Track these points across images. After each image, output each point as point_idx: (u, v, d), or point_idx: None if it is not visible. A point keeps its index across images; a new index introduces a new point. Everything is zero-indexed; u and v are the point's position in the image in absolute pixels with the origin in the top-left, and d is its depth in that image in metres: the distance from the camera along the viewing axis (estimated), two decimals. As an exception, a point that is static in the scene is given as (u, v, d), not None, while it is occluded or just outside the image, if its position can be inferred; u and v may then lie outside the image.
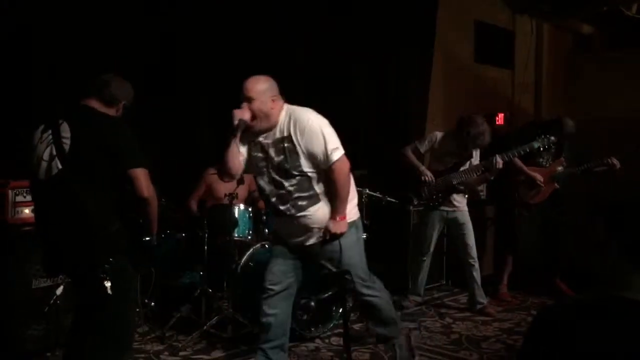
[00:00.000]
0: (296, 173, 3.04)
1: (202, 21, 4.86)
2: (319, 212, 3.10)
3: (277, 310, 3.21)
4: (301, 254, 3.24)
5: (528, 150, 4.58)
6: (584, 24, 7.50)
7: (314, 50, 5.38)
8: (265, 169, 3.12)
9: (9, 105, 3.83)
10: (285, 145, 3.03)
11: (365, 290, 3.31)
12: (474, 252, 4.73)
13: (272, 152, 3.07)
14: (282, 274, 3.22)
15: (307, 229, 3.13)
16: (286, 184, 3.06)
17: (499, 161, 4.42)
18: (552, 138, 4.60)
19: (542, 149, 4.58)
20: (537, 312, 1.51)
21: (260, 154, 3.12)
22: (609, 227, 1.44)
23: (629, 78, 6.79)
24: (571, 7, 6.84)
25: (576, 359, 1.33)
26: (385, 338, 3.48)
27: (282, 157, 3.04)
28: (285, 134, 3.03)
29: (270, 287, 3.21)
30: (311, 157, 3.02)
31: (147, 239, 2.82)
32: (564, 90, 7.64)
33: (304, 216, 3.09)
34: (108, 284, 2.50)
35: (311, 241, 3.16)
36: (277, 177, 3.08)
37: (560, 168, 4.91)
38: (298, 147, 3.01)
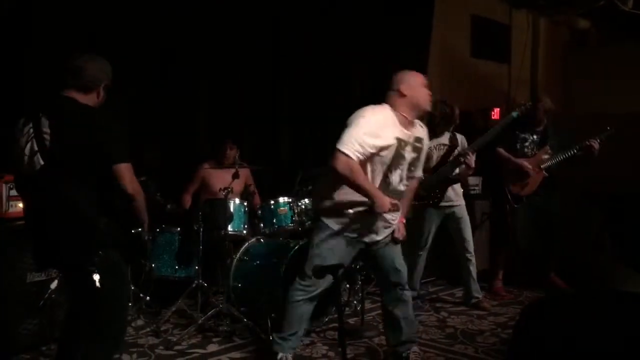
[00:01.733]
0: (412, 175, 3.24)
1: (201, 17, 4.84)
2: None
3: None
4: (366, 253, 3.35)
5: (504, 126, 4.42)
6: (580, 18, 7.50)
7: (313, 50, 5.38)
8: (400, 166, 3.12)
9: (1, 98, 3.82)
10: (418, 145, 3.16)
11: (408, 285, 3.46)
12: (471, 246, 4.73)
13: (409, 148, 3.12)
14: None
15: (389, 226, 3.24)
16: (405, 182, 3.18)
17: (470, 154, 4.23)
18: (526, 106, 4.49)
19: (520, 115, 4.40)
20: (527, 304, 1.49)
21: (407, 148, 3.12)
22: (603, 221, 1.43)
23: (624, 73, 6.80)
24: (568, 2, 6.85)
25: (567, 351, 1.32)
26: (411, 343, 3.45)
27: (414, 155, 3.17)
28: (419, 135, 3.16)
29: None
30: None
31: (139, 230, 2.80)
32: (560, 85, 7.64)
33: (396, 215, 3.21)
34: (97, 277, 2.48)
35: (387, 238, 3.28)
36: (404, 175, 3.15)
37: (546, 156, 4.85)
38: (423, 150, 3.23)
